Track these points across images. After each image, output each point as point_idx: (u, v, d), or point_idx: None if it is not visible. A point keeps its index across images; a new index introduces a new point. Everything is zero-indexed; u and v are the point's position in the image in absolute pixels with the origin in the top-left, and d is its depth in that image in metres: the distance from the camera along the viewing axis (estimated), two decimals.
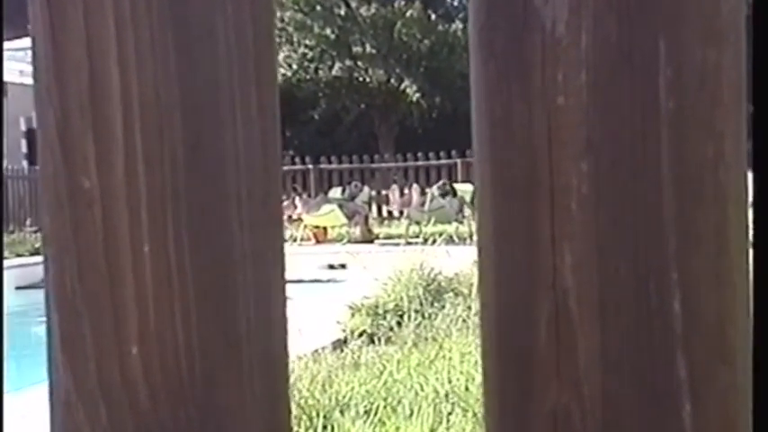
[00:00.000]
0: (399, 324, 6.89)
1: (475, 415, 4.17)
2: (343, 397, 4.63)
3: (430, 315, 6.87)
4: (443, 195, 15.84)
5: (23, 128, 22.84)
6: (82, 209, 0.71)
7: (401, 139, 26.92)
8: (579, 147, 0.69)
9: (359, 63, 27.77)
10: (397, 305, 7.31)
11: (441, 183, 16.94)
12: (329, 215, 16.13)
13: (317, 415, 4.42)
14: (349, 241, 15.59)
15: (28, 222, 17.32)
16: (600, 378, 0.69)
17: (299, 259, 11.77)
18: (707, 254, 0.69)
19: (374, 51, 27.37)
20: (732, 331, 0.70)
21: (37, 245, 13.28)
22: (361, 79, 27.94)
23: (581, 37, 0.69)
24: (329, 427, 4.28)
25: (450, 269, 8.00)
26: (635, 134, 0.68)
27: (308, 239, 15.99)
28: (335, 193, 17.48)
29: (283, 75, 26.46)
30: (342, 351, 6.15)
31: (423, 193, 16.56)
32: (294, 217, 16.09)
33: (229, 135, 0.72)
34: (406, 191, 17.94)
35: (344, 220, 16.17)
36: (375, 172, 20.74)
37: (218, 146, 0.72)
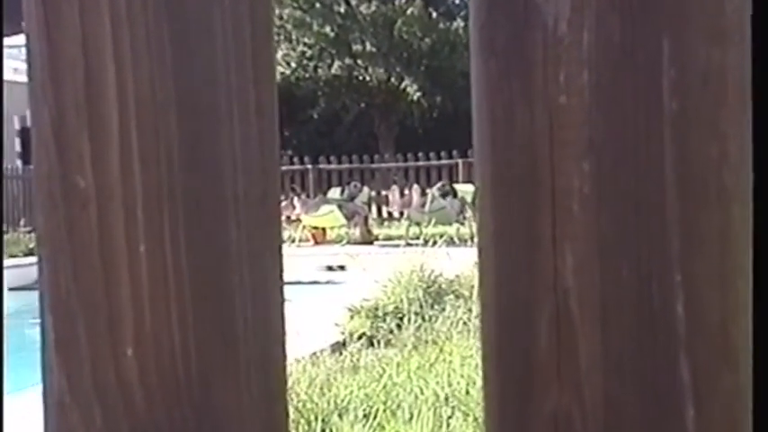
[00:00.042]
0: (399, 327, 6.89)
1: (476, 419, 4.18)
2: (342, 400, 4.63)
3: (430, 318, 6.88)
4: (444, 196, 15.85)
5: (17, 126, 22.83)
6: (77, 208, 0.71)
7: (401, 138, 26.92)
8: (581, 147, 0.69)
9: (359, 61, 27.78)
10: (396, 307, 7.31)
11: (441, 183, 16.95)
12: (328, 216, 16.13)
13: (316, 419, 4.42)
14: (348, 242, 15.60)
15: (22, 222, 17.33)
16: (601, 381, 0.69)
17: (298, 261, 11.78)
18: (710, 256, 0.69)
19: (374, 50, 27.37)
20: (736, 334, 0.70)
21: (31, 245, 13.29)
22: (360, 78, 27.95)
23: (583, 35, 0.69)
24: (327, 431, 4.28)
25: (451, 271, 8.00)
26: (638, 134, 0.69)
27: (307, 240, 15.99)
28: (335, 193, 17.48)
29: (282, 73, 26.46)
30: (340, 354, 6.16)
31: (423, 194, 16.56)
32: (292, 218, 16.09)
33: (227, 134, 0.72)
34: (407, 191, 17.94)
35: (344, 221, 16.17)
36: (375, 172, 20.74)
37: (215, 145, 0.72)
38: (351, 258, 11.16)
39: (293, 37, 27.78)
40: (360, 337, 6.83)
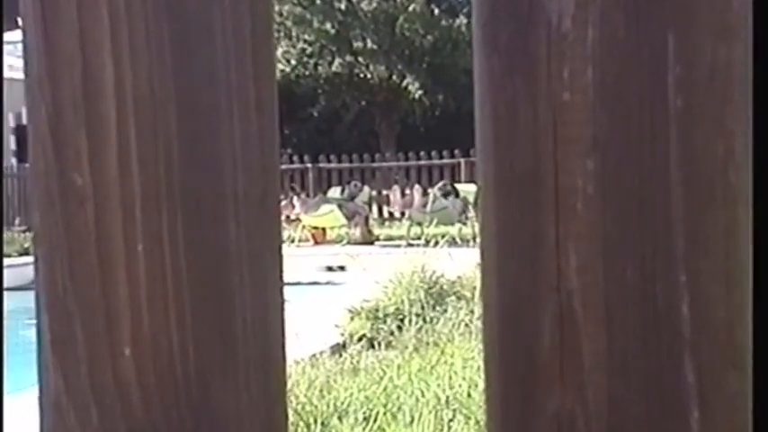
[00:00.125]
0: (400, 328, 6.90)
1: (477, 422, 4.18)
2: (342, 403, 4.63)
3: (431, 319, 6.88)
4: (446, 196, 15.85)
5: (12, 124, 22.82)
6: (74, 206, 0.71)
7: (403, 137, 26.91)
8: (585, 145, 0.69)
9: (359, 59, 27.76)
10: (397, 309, 7.32)
11: (443, 183, 16.95)
12: (328, 216, 16.13)
13: (315, 421, 4.42)
14: (348, 243, 15.60)
15: (17, 222, 17.33)
16: (605, 382, 0.70)
17: (297, 261, 11.77)
18: (716, 255, 0.69)
19: (375, 47, 27.35)
20: (742, 335, 0.70)
21: (26, 245, 13.29)
22: (361, 75, 27.93)
23: (588, 32, 0.69)
24: None
25: (453, 272, 8.00)
26: (642, 132, 0.69)
27: (307, 240, 15.98)
28: (335, 192, 17.48)
29: (281, 70, 26.45)
30: (340, 356, 6.16)
31: (425, 194, 16.56)
32: (292, 217, 16.09)
33: (226, 132, 0.73)
34: (408, 191, 17.93)
35: (344, 221, 16.17)
36: (376, 171, 20.74)
37: (214, 143, 0.72)
38: (351, 259, 11.16)
39: (293, 34, 27.77)
40: (360, 339, 6.83)
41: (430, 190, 16.57)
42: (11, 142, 23.15)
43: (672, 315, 0.69)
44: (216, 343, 0.72)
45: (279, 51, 26.49)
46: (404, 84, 27.50)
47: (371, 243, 15.56)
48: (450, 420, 4.33)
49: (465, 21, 26.04)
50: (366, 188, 17.48)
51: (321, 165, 20.46)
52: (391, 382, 4.96)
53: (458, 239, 11.07)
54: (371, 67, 27.68)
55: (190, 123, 0.72)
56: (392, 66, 27.42)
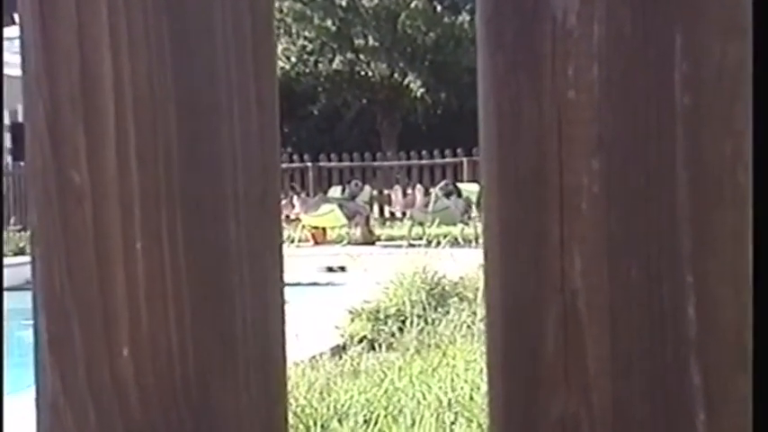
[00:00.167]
0: (401, 330, 6.90)
1: (480, 425, 4.18)
2: (342, 405, 4.63)
3: (433, 321, 6.88)
4: (448, 195, 15.86)
5: (7, 121, 22.83)
6: (72, 204, 0.71)
7: (404, 136, 26.91)
8: (590, 144, 0.69)
9: (361, 56, 27.76)
10: (398, 310, 7.32)
11: (445, 182, 16.95)
12: (328, 215, 16.14)
13: (315, 424, 4.43)
14: (349, 243, 15.61)
15: (12, 221, 17.33)
16: (610, 385, 0.70)
17: (297, 261, 11.78)
18: (723, 257, 0.69)
19: (377, 44, 27.34)
20: (748, 336, 0.70)
21: (21, 244, 13.29)
22: (362, 73, 27.93)
23: (593, 28, 0.69)
24: None
25: (455, 273, 8.01)
26: (649, 131, 0.69)
27: (307, 240, 15.99)
28: (335, 192, 17.49)
29: (282, 68, 26.45)
30: (341, 357, 6.16)
31: (426, 193, 16.57)
32: (292, 217, 16.10)
33: (226, 130, 0.73)
34: (410, 190, 17.95)
35: (344, 221, 16.18)
36: (377, 170, 20.74)
37: (214, 141, 0.72)
38: (352, 259, 11.17)
39: (293, 31, 27.77)
40: (360, 341, 6.84)
41: (432, 189, 16.58)
42: (6, 140, 23.15)
43: (678, 316, 0.69)
44: (215, 343, 0.72)
45: (279, 48, 26.47)
46: (405, 82, 27.50)
47: (372, 243, 15.57)
48: (452, 423, 4.33)
49: (468, 18, 26.02)
50: (367, 187, 17.49)
51: (321, 164, 20.47)
52: (392, 384, 4.96)
53: (460, 240, 11.08)
54: (373, 65, 27.68)
55: (189, 121, 0.72)
56: (394, 63, 27.41)
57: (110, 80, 0.70)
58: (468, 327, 6.46)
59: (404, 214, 17.53)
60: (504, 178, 0.72)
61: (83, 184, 0.71)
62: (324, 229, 16.48)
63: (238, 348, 0.73)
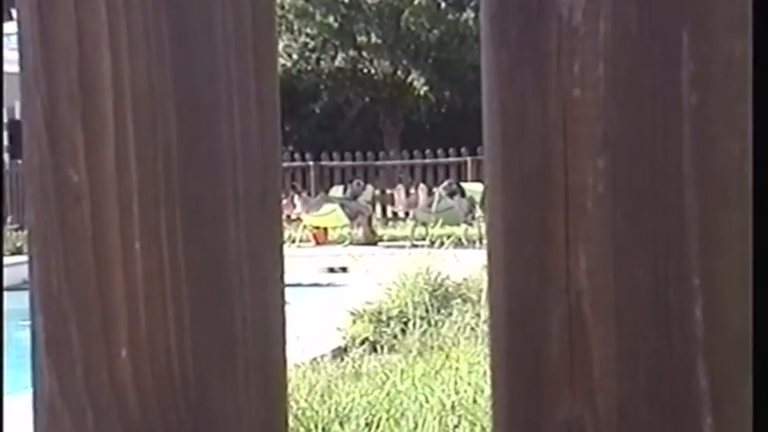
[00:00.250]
0: (404, 331, 6.90)
1: (483, 429, 4.18)
2: (344, 408, 4.64)
3: (436, 322, 6.88)
4: (452, 195, 15.86)
5: (4, 119, 22.84)
6: (69, 203, 0.72)
7: (407, 135, 26.91)
8: (596, 142, 0.69)
9: (363, 53, 27.76)
10: (401, 311, 7.32)
11: (448, 182, 16.95)
12: (330, 215, 16.14)
13: (316, 427, 4.43)
14: (351, 243, 15.61)
15: (8, 219, 17.35)
16: (615, 387, 0.70)
17: (298, 262, 11.78)
18: (731, 257, 0.69)
19: (380, 41, 27.34)
20: (750, 338, 0.70)
21: (18, 243, 13.30)
22: (365, 71, 27.93)
23: (599, 26, 0.69)
24: None
25: (459, 274, 8.01)
26: (655, 129, 0.69)
27: (308, 241, 16.00)
28: (337, 191, 17.49)
29: (283, 65, 26.45)
30: (342, 360, 6.17)
31: (430, 193, 16.58)
32: (293, 217, 16.11)
33: (226, 128, 0.73)
34: (413, 190, 17.95)
35: (346, 221, 16.18)
36: (379, 170, 20.75)
37: (214, 139, 0.73)
38: (353, 260, 11.17)
39: (295, 27, 27.78)
40: (362, 343, 6.84)
41: (435, 189, 16.58)
42: (3, 137, 23.16)
43: (684, 318, 0.69)
44: (215, 344, 0.73)
45: (280, 45, 26.47)
46: (409, 79, 27.49)
47: (374, 244, 15.57)
48: (456, 427, 4.33)
49: (472, 14, 26.01)
50: (369, 187, 17.49)
51: (323, 163, 20.47)
52: (394, 387, 4.96)
53: (464, 240, 11.08)
54: (375, 63, 27.67)
55: (189, 119, 0.72)
56: (397, 61, 27.41)
57: (108, 77, 0.71)
58: (472, 329, 6.46)
59: (407, 214, 17.54)
60: (508, 177, 0.72)
61: (81, 182, 0.71)
62: (325, 229, 16.48)
63: (238, 350, 0.73)
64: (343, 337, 7.10)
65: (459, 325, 6.63)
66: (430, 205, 15.78)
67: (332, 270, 13.23)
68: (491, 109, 0.73)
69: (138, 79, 0.71)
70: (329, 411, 4.59)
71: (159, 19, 0.71)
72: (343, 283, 11.69)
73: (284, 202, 15.58)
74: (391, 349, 6.55)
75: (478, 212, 14.78)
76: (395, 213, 18.80)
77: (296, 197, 16.71)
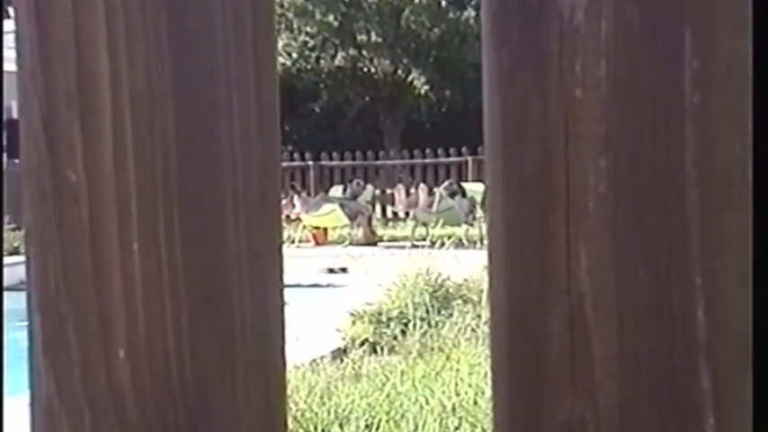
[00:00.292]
0: (404, 333, 6.90)
1: (484, 431, 4.18)
2: (343, 410, 4.64)
3: (437, 323, 6.88)
4: (452, 195, 15.85)
5: (3, 119, 22.83)
6: (67, 203, 0.72)
7: (408, 134, 26.90)
8: (597, 142, 0.69)
9: (363, 52, 27.76)
10: (401, 312, 7.32)
11: (449, 182, 16.95)
12: (330, 215, 16.14)
13: (315, 429, 4.43)
14: (351, 243, 15.61)
15: (5, 219, 17.35)
16: (617, 388, 0.70)
17: (297, 262, 11.78)
18: (731, 258, 0.69)
19: (380, 40, 27.34)
20: (750, 339, 0.70)
21: (15, 243, 13.30)
22: (365, 70, 27.93)
23: (601, 25, 0.69)
24: None
25: (459, 274, 8.01)
26: (657, 129, 0.69)
27: (307, 241, 16.00)
28: (337, 191, 17.49)
29: (282, 64, 26.45)
30: (342, 361, 6.17)
31: (430, 193, 16.57)
32: (292, 217, 16.10)
33: (225, 127, 0.73)
34: (413, 190, 17.94)
35: (346, 221, 16.18)
36: (379, 169, 20.75)
37: (213, 139, 0.73)
38: (353, 260, 11.17)
39: (295, 26, 27.77)
40: (362, 344, 6.84)
41: (435, 189, 16.58)
42: (2, 138, 23.14)
43: (686, 319, 0.69)
44: (214, 345, 0.73)
45: (280, 44, 26.48)
46: (409, 78, 27.48)
47: (374, 244, 15.57)
48: (456, 429, 4.33)
49: (473, 13, 26.00)
50: (369, 187, 17.48)
51: (323, 162, 20.47)
52: (394, 388, 4.96)
53: (464, 241, 11.08)
54: (376, 61, 27.66)
55: (188, 118, 0.72)
56: (397, 60, 27.40)
57: (106, 76, 0.71)
58: (473, 330, 6.46)
59: (407, 214, 17.53)
60: (509, 177, 0.72)
61: (78, 182, 0.71)
62: (325, 229, 16.48)
63: (237, 351, 0.73)
64: (343, 339, 7.11)
65: (459, 326, 6.63)
66: (430, 205, 15.78)
67: (331, 271, 13.23)
68: (492, 108, 0.73)
69: (137, 78, 0.71)
70: (329, 413, 4.59)
71: (158, 17, 0.71)
72: (342, 283, 11.69)
73: (284, 202, 15.59)
74: (391, 350, 6.55)
75: (479, 213, 14.78)
76: (395, 213, 18.79)
77: (295, 197, 16.71)
